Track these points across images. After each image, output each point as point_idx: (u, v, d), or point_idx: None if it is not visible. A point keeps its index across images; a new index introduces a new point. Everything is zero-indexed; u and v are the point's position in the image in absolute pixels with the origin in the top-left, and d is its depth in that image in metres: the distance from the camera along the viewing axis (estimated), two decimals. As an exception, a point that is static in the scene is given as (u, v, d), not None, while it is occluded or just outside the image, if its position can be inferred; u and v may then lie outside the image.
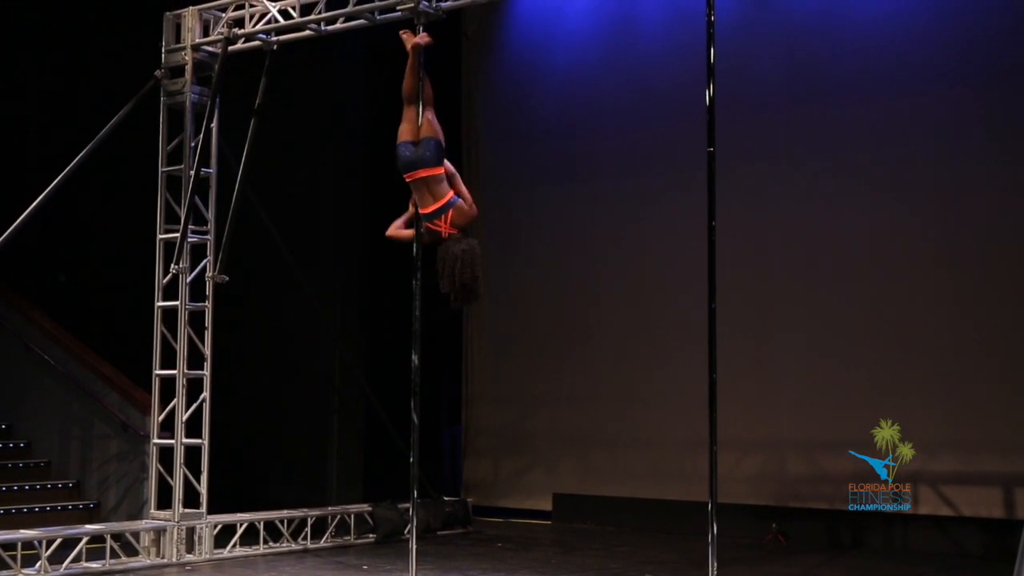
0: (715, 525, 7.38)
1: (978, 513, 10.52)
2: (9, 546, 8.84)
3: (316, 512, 11.08)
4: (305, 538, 10.81)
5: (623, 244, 12.84)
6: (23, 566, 8.87)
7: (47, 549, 8.98)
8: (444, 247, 7.93)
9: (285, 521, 10.74)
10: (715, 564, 7.36)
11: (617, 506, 12.58)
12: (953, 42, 10.99)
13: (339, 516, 11.23)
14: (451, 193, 7.96)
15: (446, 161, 8.09)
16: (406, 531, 10.68)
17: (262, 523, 10.55)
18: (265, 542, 10.52)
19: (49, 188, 9.84)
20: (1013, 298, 10.58)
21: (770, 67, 11.93)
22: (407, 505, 8.11)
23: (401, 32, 8.58)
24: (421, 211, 8.01)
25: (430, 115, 8.12)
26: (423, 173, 7.89)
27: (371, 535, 11.34)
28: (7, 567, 8.79)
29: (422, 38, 8.38)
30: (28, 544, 8.99)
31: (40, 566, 8.91)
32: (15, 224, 9.69)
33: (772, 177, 11.88)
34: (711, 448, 7.50)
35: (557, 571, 9.62)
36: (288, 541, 10.68)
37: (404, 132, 8.11)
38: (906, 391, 10.92)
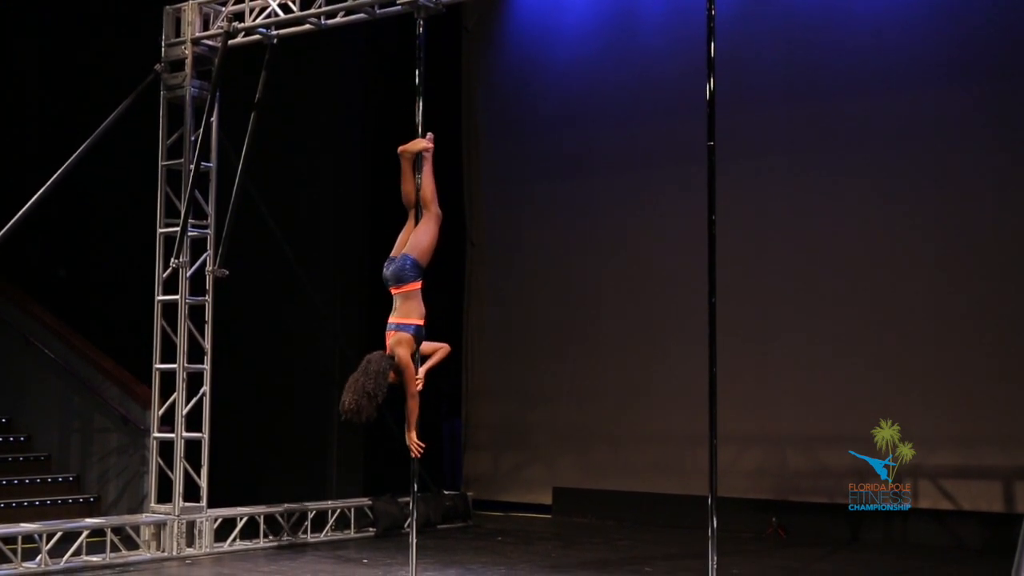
0: (715, 519, 7.39)
1: (978, 507, 10.53)
2: (9, 540, 8.86)
3: (316, 506, 11.09)
4: (305, 532, 10.82)
5: (623, 238, 12.84)
6: (23, 560, 8.88)
7: (47, 543, 8.98)
8: (369, 359, 7.68)
9: (285, 515, 10.76)
10: (715, 558, 7.36)
11: (617, 500, 12.59)
12: (954, 37, 10.97)
13: (339, 510, 11.25)
14: (421, 320, 7.71)
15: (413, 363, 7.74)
16: (406, 525, 10.70)
17: (262, 517, 10.56)
18: (265, 536, 10.54)
19: (49, 182, 9.84)
20: (1013, 293, 10.58)
21: (771, 61, 11.92)
22: (407, 499, 8.12)
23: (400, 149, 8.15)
24: (391, 318, 7.83)
25: (425, 225, 7.84)
26: (394, 291, 7.75)
27: (371, 529, 11.36)
28: (7, 561, 8.81)
29: (414, 144, 8.04)
30: (28, 538, 9.00)
31: (40, 560, 8.92)
32: (15, 218, 9.69)
33: (773, 172, 11.87)
34: (711, 442, 7.51)
35: (557, 565, 9.63)
36: (288, 535, 10.70)
37: (395, 245, 7.89)
38: (906, 385, 10.93)
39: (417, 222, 7.94)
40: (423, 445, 7.90)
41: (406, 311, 7.75)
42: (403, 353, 7.66)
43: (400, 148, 8.07)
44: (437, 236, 7.88)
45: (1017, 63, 10.67)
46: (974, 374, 10.65)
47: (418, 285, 7.76)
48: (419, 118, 8.46)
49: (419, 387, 7.83)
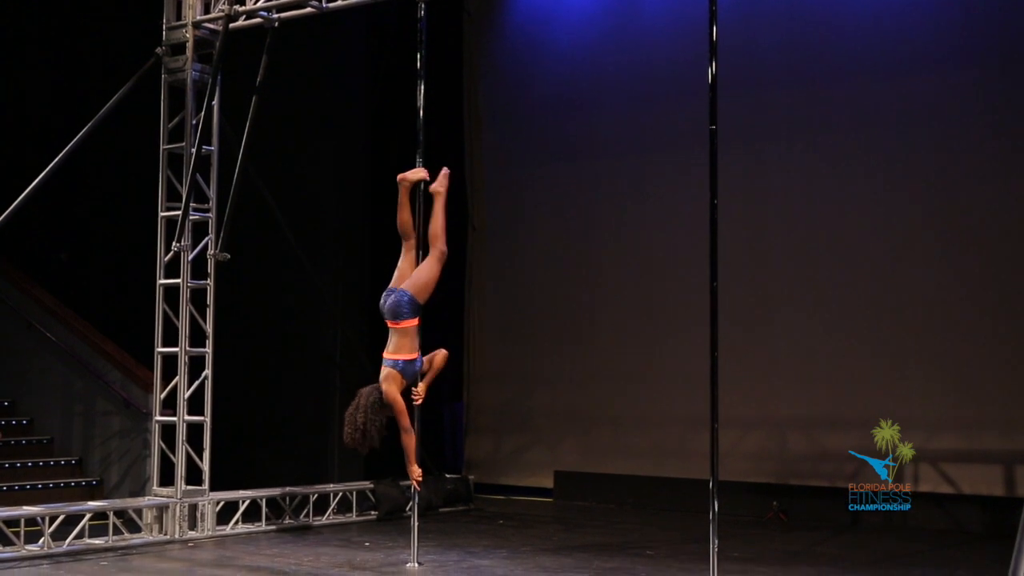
0: (716, 503, 7.41)
1: (978, 491, 10.55)
2: (12, 523, 8.87)
3: (318, 489, 11.11)
4: (307, 515, 10.85)
5: (625, 223, 12.84)
6: (26, 542, 8.91)
7: (50, 526, 9.01)
8: (360, 393, 7.78)
9: (287, 498, 10.78)
10: (716, 541, 7.38)
11: (618, 483, 12.61)
12: (957, 22, 10.95)
13: (341, 493, 11.27)
14: (412, 355, 7.73)
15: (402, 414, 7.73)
16: (408, 508, 10.72)
17: (264, 500, 10.58)
18: (267, 519, 10.56)
19: (51, 165, 9.83)
20: (1013, 278, 10.58)
21: (772, 46, 11.90)
22: (408, 482, 8.15)
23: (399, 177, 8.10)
24: (384, 352, 7.85)
25: (430, 263, 7.79)
26: (391, 325, 7.75)
27: (373, 512, 11.38)
28: (10, 543, 8.83)
29: (414, 173, 8.01)
30: (31, 521, 9.03)
31: (43, 543, 8.94)
32: (17, 201, 9.69)
33: (774, 156, 11.86)
34: (712, 426, 7.52)
35: (558, 548, 9.65)
36: (290, 518, 10.72)
37: (395, 275, 7.87)
38: (907, 370, 10.94)
39: (418, 253, 7.92)
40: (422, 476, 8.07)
41: (398, 346, 7.75)
42: (389, 389, 7.67)
43: (399, 176, 8.02)
44: (439, 275, 7.81)
45: (1018, 48, 10.64)
46: (975, 358, 10.66)
47: (415, 322, 7.75)
48: (420, 102, 8.45)
49: (419, 402, 7.87)
